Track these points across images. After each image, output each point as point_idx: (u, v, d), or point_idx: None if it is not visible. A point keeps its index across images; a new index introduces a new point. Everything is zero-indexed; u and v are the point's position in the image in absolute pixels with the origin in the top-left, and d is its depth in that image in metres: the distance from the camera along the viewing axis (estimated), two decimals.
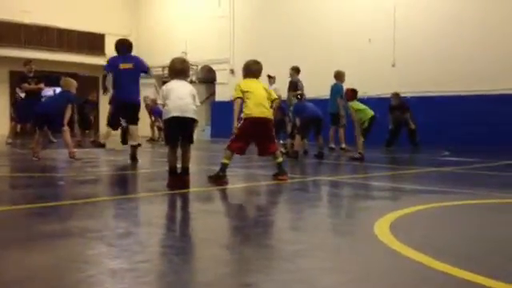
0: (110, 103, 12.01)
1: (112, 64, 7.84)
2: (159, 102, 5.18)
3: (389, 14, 14.11)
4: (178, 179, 5.06)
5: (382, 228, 3.17)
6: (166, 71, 8.59)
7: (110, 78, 7.72)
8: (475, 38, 12.74)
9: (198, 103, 5.25)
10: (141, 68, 7.90)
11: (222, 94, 18.18)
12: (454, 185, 5.66)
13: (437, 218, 3.80)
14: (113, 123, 8.28)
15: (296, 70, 11.72)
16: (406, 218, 3.61)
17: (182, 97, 5.01)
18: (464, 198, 4.62)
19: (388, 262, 2.52)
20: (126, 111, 7.84)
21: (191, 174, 5.17)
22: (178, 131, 5.07)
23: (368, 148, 9.08)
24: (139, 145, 8.11)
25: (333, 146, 10.90)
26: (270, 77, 12.60)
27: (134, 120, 7.85)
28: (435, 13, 13.41)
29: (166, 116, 5.06)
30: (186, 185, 5.01)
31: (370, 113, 8.72)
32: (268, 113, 5.65)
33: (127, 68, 7.70)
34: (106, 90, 8.00)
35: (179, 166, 5.13)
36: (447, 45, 13.14)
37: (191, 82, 17.63)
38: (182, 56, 5.72)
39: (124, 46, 7.95)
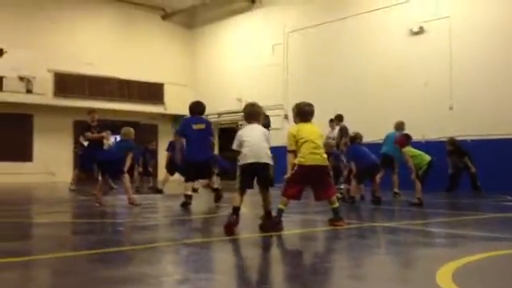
0: (167, 150, 12.40)
1: (186, 125, 8.45)
2: (234, 147, 5.39)
3: (444, 55, 13.94)
4: (236, 219, 5.16)
5: (444, 277, 3.06)
6: (222, 118, 9.09)
7: (180, 142, 8.55)
8: None
9: (270, 144, 5.47)
10: (209, 131, 8.57)
11: (276, 139, 18.26)
12: None
13: (504, 267, 3.63)
14: (187, 178, 8.57)
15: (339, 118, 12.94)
16: (470, 267, 3.47)
17: (255, 142, 5.27)
18: None
19: None
20: (198, 169, 8.37)
21: (247, 218, 5.20)
22: (251, 177, 5.29)
23: (427, 193, 8.85)
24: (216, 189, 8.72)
25: (396, 190, 10.67)
26: (332, 121, 12.72)
27: (209, 174, 8.63)
28: (493, 53, 13.14)
29: (241, 162, 5.27)
30: (268, 228, 5.19)
31: (427, 158, 8.55)
32: (322, 160, 5.59)
33: (200, 129, 8.35)
34: (180, 155, 8.59)
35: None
36: (506, 86, 12.79)
37: None
38: (253, 102, 5.93)
39: (199, 108, 8.65)
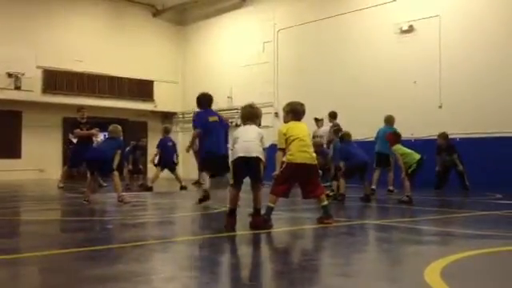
0: (157, 147, 12.37)
1: (202, 118, 7.95)
2: (229, 146, 5.45)
3: (434, 54, 14.00)
4: (234, 220, 5.22)
5: (432, 275, 3.07)
6: None
7: (196, 133, 7.92)
8: None
9: (266, 145, 5.48)
10: (223, 123, 8.11)
11: (267, 137, 18.27)
12: (509, 229, 5.45)
13: (492, 265, 3.66)
14: (206, 170, 8.01)
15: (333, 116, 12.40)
16: (459, 264, 3.49)
17: (248, 139, 5.31)
18: None
19: None
20: (217, 163, 7.75)
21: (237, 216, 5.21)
22: (244, 171, 5.29)
23: (416, 191, 8.89)
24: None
25: (391, 187, 10.78)
26: (317, 120, 12.67)
27: (226, 171, 7.61)
28: (482, 52, 13.22)
29: (232, 157, 5.33)
30: (258, 226, 5.19)
31: (417, 156, 8.59)
32: (311, 158, 5.59)
33: (215, 121, 7.92)
34: (190, 147, 8.19)
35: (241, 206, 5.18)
36: (495, 85, 12.87)
37: (236, 125, 17.89)
38: (251, 103, 6.01)
39: (208, 99, 8.13)
